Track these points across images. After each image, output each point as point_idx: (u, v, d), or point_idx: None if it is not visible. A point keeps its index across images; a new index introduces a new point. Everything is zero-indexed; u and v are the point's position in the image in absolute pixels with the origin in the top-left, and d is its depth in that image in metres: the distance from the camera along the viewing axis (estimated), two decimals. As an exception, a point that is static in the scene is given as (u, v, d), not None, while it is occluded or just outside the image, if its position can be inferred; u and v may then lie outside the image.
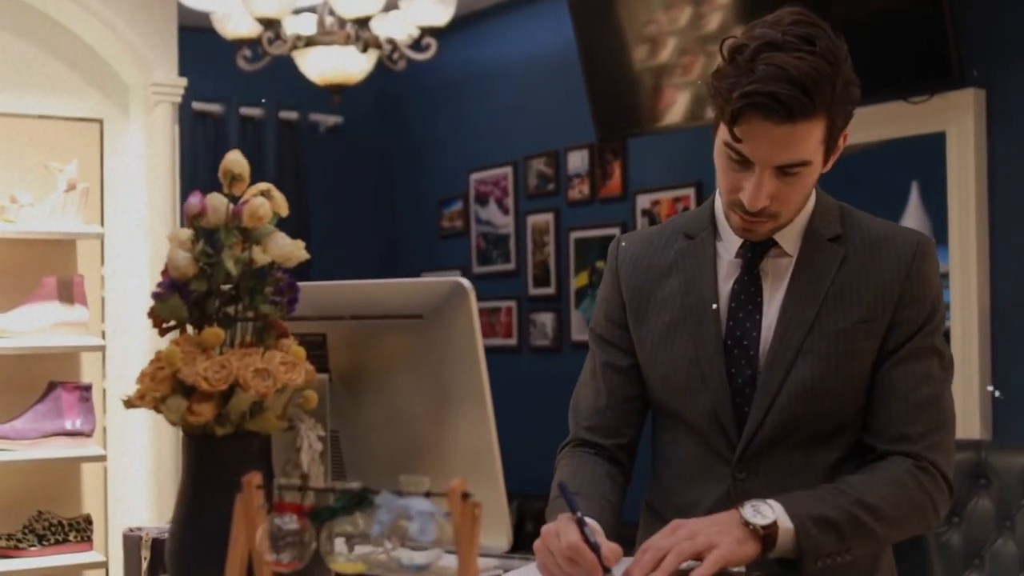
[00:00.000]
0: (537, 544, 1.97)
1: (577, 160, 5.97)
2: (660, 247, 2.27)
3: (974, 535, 3.83)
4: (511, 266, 6.28)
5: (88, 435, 4.28)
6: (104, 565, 4.35)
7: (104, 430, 4.68)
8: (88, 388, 4.31)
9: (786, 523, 1.95)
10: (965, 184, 4.28)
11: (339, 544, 1.68)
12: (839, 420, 2.14)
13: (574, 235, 5.99)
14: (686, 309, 2.19)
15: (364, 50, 5.22)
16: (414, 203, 6.94)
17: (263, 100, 6.69)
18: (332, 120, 6.87)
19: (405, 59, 5.50)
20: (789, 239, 2.16)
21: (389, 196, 7.08)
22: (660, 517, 2.20)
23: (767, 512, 1.95)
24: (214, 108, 6.62)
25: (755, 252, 2.17)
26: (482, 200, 6.51)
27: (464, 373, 1.79)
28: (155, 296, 1.78)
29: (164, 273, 1.79)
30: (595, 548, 1.89)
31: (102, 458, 4.43)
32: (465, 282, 1.77)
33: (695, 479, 2.17)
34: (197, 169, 6.39)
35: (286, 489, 1.70)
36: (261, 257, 1.79)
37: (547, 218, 6.12)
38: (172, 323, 1.80)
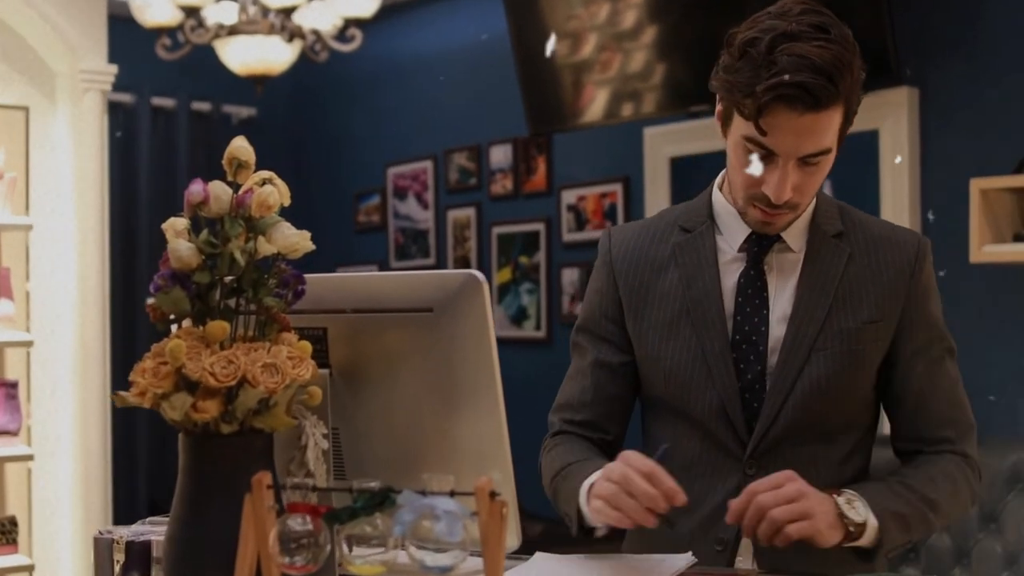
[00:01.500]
0: (611, 475, 1.93)
1: (500, 154, 5.93)
2: (656, 240, 2.24)
3: (960, 535, 3.86)
4: (431, 261, 6.23)
5: (14, 434, 4.14)
6: (30, 568, 4.21)
7: (29, 429, 4.53)
8: (14, 385, 4.17)
9: (872, 520, 1.99)
10: (899, 181, 4.32)
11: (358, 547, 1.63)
12: (847, 418, 2.16)
13: (496, 230, 5.95)
14: (689, 303, 2.16)
15: (289, 40, 5.14)
16: (330, 197, 6.84)
17: (177, 90, 6.56)
18: (246, 112, 6.76)
19: (328, 50, 5.43)
20: (793, 234, 2.15)
21: (304, 190, 6.94)
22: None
23: (860, 509, 1.98)
24: (125, 98, 6.46)
25: (760, 247, 2.15)
26: (401, 194, 6.44)
27: (475, 368, 1.75)
28: (156, 288, 1.70)
29: (164, 263, 1.71)
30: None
31: (28, 458, 4.29)
32: (479, 274, 1.72)
33: (701, 475, 2.15)
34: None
35: (298, 489, 1.64)
36: (266, 248, 1.73)
37: (469, 213, 6.08)
38: (172, 317, 1.72)
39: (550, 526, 5.38)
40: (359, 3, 5.17)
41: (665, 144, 5.20)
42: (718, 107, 2.10)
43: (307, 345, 1.72)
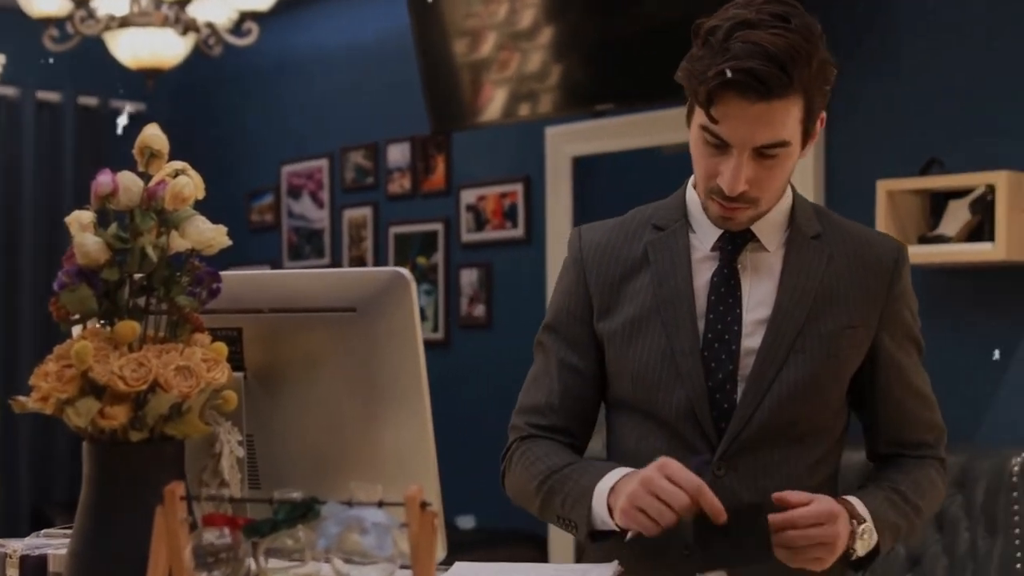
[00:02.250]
0: (633, 491, 1.90)
1: (398, 153, 5.83)
2: (628, 238, 2.18)
3: (913, 542, 3.85)
4: (325, 261, 6.11)
5: None
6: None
7: None
8: None
9: (874, 536, 2.01)
10: (804, 182, 4.32)
11: (272, 560, 1.54)
12: (820, 422, 2.12)
13: (394, 230, 5.86)
14: (658, 301, 2.11)
15: (184, 33, 5.00)
16: (222, 196, 6.63)
17: (63, 84, 6.37)
18: (134, 107, 6.58)
19: (222, 44, 5.30)
20: (767, 233, 2.10)
21: (194, 188, 6.81)
22: None
23: (871, 533, 2.00)
24: (8, 92, 6.28)
25: (734, 245, 2.10)
26: (295, 193, 6.32)
27: (400, 370, 1.67)
28: (60, 286, 1.59)
29: (68, 260, 1.60)
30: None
31: None
32: (405, 272, 1.64)
33: None
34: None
35: (214, 500, 1.55)
36: (180, 243, 1.63)
37: (365, 212, 5.97)
38: (76, 317, 1.61)
39: (448, 531, 5.32)
40: (255, -4, 5.06)
41: (567, 143, 5.16)
42: (688, 99, 2.05)
43: (222, 347, 1.63)
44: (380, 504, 1.45)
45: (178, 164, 1.67)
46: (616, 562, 1.98)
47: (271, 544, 1.52)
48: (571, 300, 2.20)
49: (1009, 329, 3.92)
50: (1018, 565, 3.54)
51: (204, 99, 6.79)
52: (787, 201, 2.12)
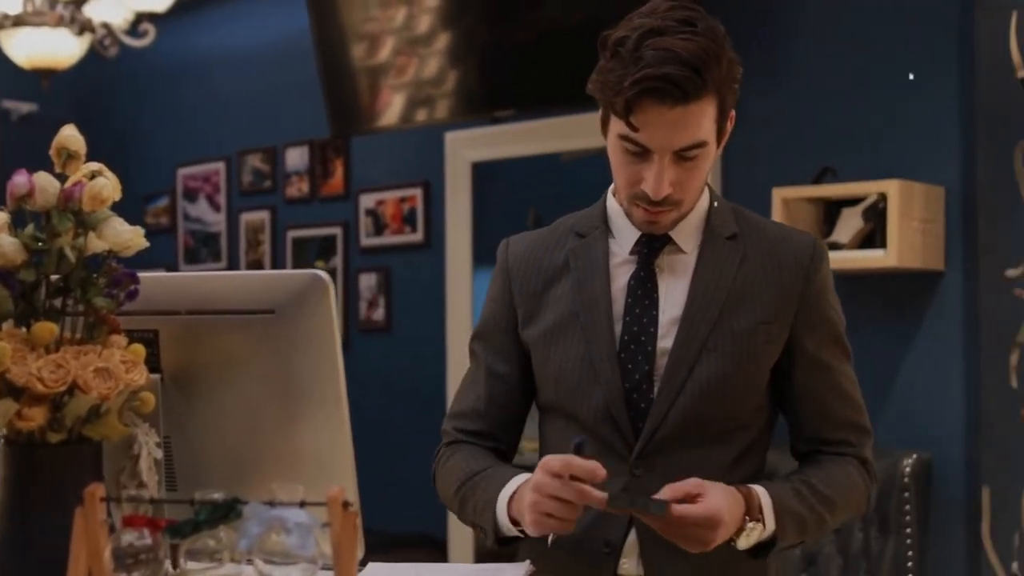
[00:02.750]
0: (531, 500, 1.91)
1: (296, 157, 5.81)
2: (551, 248, 2.22)
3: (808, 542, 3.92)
4: (222, 265, 6.07)
5: None
6: None
7: None
8: None
9: (772, 524, 2.02)
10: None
11: (191, 563, 1.55)
12: (737, 420, 2.14)
13: (292, 234, 5.84)
14: (577, 307, 2.14)
15: (80, 33, 4.94)
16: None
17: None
18: (27, 107, 6.48)
19: (118, 45, 5.25)
20: (684, 235, 2.14)
21: (86, 190, 6.73)
22: None
23: (760, 531, 2.01)
24: None
25: (651, 248, 2.14)
26: (191, 196, 6.26)
27: (319, 372, 1.68)
28: (-26, 287, 1.58)
29: (-16, 261, 1.59)
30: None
31: None
32: (324, 275, 1.65)
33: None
34: None
35: (134, 501, 1.55)
36: (97, 244, 1.63)
37: (263, 216, 5.94)
38: (-9, 318, 1.60)
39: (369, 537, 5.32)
40: (152, -3, 5.02)
41: (466, 149, 5.18)
42: (600, 112, 2.08)
43: (140, 348, 1.63)
44: (302, 504, 1.46)
45: (94, 165, 1.67)
46: (528, 561, 2.01)
47: (191, 545, 1.53)
48: (497, 309, 2.23)
49: (900, 334, 4.02)
50: (910, 563, 3.64)
51: (101, 100, 6.70)
52: (704, 203, 2.16)
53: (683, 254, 2.14)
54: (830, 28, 4.21)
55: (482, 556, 5.06)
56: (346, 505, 1.44)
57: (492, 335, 2.23)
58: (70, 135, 1.64)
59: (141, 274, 1.69)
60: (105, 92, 6.61)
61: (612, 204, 2.19)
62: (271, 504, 1.46)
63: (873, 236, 3.90)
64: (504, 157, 5.05)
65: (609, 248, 2.17)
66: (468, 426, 2.22)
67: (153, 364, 1.73)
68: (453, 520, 5.06)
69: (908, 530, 3.64)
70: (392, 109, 5.03)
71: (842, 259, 3.90)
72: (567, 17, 4.29)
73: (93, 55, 5.17)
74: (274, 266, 5.87)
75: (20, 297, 1.59)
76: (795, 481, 2.10)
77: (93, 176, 1.66)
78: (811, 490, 2.09)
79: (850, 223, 3.96)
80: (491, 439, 2.22)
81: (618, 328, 2.11)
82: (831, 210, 4.07)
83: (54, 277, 1.62)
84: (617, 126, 2.02)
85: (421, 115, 4.96)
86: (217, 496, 1.49)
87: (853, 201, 3.97)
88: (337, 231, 5.65)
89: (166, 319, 1.73)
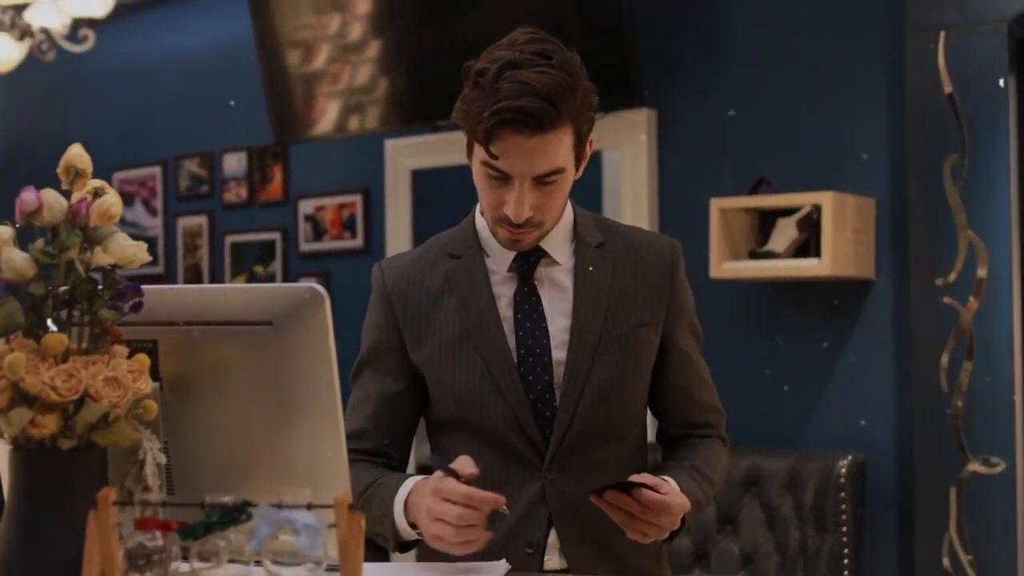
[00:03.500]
0: (426, 519, 1.99)
1: (234, 162, 5.84)
2: (428, 269, 2.31)
3: (699, 537, 4.03)
4: (159, 269, 6.08)
5: None
6: None
7: None
8: None
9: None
10: (639, 200, 4.49)
11: (199, 562, 1.61)
12: (630, 416, 2.29)
13: (230, 239, 5.86)
14: (467, 326, 2.23)
15: (20, 39, 4.95)
16: (49, 201, 6.57)
17: None
18: (-39, 111, 6.45)
19: (56, 49, 5.26)
20: (555, 247, 2.26)
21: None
22: None
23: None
24: None
25: (528, 264, 2.25)
26: (127, 200, 6.26)
27: (314, 383, 1.74)
28: (-12, 300, 1.64)
29: (-6, 274, 1.65)
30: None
31: None
32: (320, 289, 1.72)
33: (503, 485, 2.19)
34: None
35: (145, 505, 1.61)
36: (103, 258, 1.69)
37: (201, 220, 5.96)
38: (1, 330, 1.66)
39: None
40: (91, 3, 5.02)
41: (406, 156, 5.24)
42: (466, 137, 2.18)
43: (144, 358, 1.69)
44: (310, 507, 1.54)
45: (97, 183, 1.74)
46: (504, 560, 2.10)
47: (200, 547, 1.60)
48: (382, 333, 2.31)
49: (834, 340, 4.15)
50: (846, 560, 3.76)
51: (37, 105, 6.67)
52: (568, 216, 2.28)
53: (558, 265, 2.26)
54: (765, 42, 4.33)
55: (422, 557, 5.11)
56: (352, 507, 1.53)
57: (380, 359, 2.31)
58: (78, 154, 1.71)
59: (144, 286, 1.75)
60: (43, 96, 6.59)
61: (481, 223, 2.30)
62: (279, 507, 1.54)
63: (807, 245, 4.02)
64: (444, 165, 5.11)
65: (487, 267, 2.27)
66: (358, 446, 2.28)
67: (152, 373, 1.78)
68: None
69: (844, 528, 3.76)
70: (328, 117, 5.07)
71: (777, 268, 4.01)
72: (497, 25, 4.33)
73: (31, 60, 5.18)
74: (211, 271, 5.88)
75: (30, 309, 1.65)
76: (687, 468, 2.25)
77: (96, 193, 1.72)
78: (700, 475, 2.25)
79: (785, 233, 4.07)
80: (380, 457, 2.30)
81: (512, 342, 2.22)
82: (766, 220, 4.19)
83: (61, 289, 1.67)
84: (479, 153, 2.13)
85: (354, 123, 5.00)
86: (227, 499, 1.57)
87: (788, 211, 4.09)
88: (276, 236, 5.69)
89: (165, 330, 1.79)
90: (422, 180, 5.25)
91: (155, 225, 6.15)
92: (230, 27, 5.59)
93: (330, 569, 1.56)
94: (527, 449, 2.20)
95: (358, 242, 5.41)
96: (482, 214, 2.27)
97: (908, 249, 3.95)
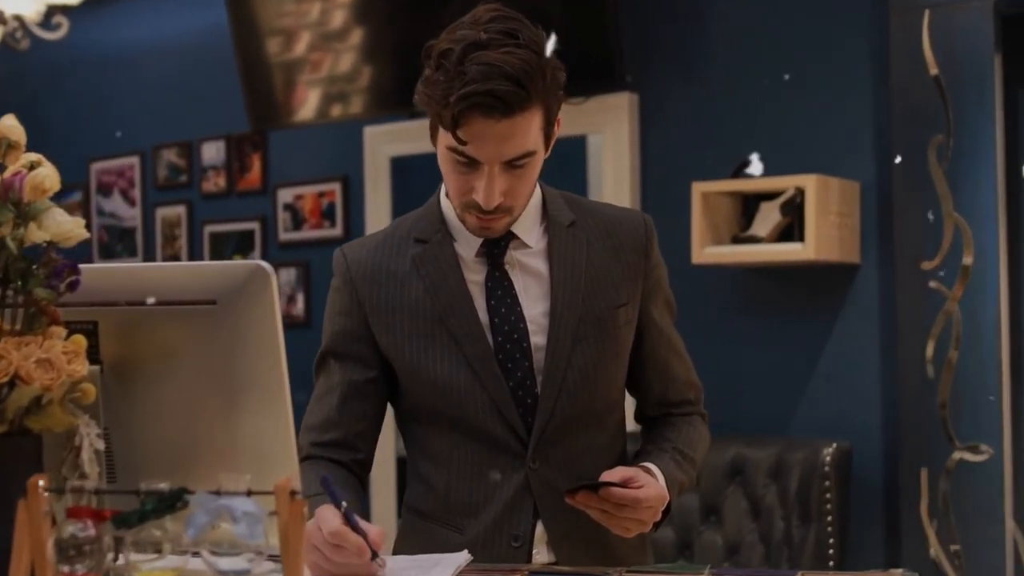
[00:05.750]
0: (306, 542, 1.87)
1: (213, 151, 5.76)
2: (392, 254, 2.21)
3: (682, 528, 3.97)
4: (138, 259, 6.00)
5: None
6: None
7: None
8: None
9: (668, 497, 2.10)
10: (620, 184, 4.43)
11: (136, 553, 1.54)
12: (610, 400, 2.21)
13: (209, 228, 5.79)
14: (439, 312, 2.15)
15: (-5, 25, 4.88)
16: (27, 193, 6.50)
17: None
18: (-65, 100, 6.37)
19: (30, 37, 5.18)
20: (525, 229, 2.17)
21: (-3, 185, 6.61)
22: (435, 519, 2.20)
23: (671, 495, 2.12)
24: None
25: (497, 248, 2.16)
26: (105, 191, 6.19)
27: (261, 364, 1.66)
28: (-85, 278, 1.56)
29: (-78, 252, 1.57)
30: (362, 533, 1.83)
31: None
32: (266, 266, 1.64)
33: (484, 475, 2.14)
34: None
35: (77, 492, 1.53)
36: (38, 235, 1.61)
37: (179, 211, 5.89)
38: (-70, 309, 1.58)
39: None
40: (65, -11, 4.96)
41: (385, 143, 5.17)
42: (429, 121, 2.10)
43: (81, 339, 1.61)
44: (249, 493, 1.46)
45: (33, 156, 1.66)
46: (466, 551, 2.02)
47: (136, 536, 1.52)
48: (347, 321, 2.21)
49: (818, 325, 4.09)
50: (831, 550, 3.70)
51: (11, 94, 6.59)
52: (537, 196, 2.20)
53: (528, 248, 2.17)
54: (748, 24, 4.27)
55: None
56: (293, 494, 1.45)
57: (346, 347, 2.21)
58: (10, 125, 1.64)
59: (83, 265, 1.67)
60: (17, 86, 6.51)
61: (447, 207, 2.20)
62: (217, 493, 1.46)
63: (791, 230, 3.96)
64: (423, 152, 5.03)
65: (456, 251, 2.18)
66: (321, 438, 2.19)
67: (92, 355, 1.71)
68: (375, 512, 5.06)
69: (829, 518, 3.70)
70: (308, 104, 5.02)
71: (761, 252, 3.95)
72: (527, 13, 4.29)
73: (4, 48, 5.10)
74: (191, 260, 5.81)
75: (-41, 288, 1.57)
76: (669, 451, 2.20)
77: (32, 167, 1.64)
78: (683, 456, 2.20)
79: (768, 217, 4.01)
80: (347, 449, 2.19)
81: (488, 330, 2.13)
82: (749, 204, 4.12)
83: (-7, 268, 1.60)
84: (445, 138, 2.04)
85: (336, 110, 4.95)
86: (163, 486, 1.49)
87: (771, 195, 4.03)
88: (255, 226, 5.61)
89: (106, 310, 1.72)
90: (401, 167, 5.19)
91: (133, 216, 6.07)
92: (208, 14, 5.51)
93: (272, 558, 1.49)
94: (511, 439, 2.13)
95: (337, 231, 5.34)
96: (447, 196, 2.19)
97: (893, 233, 3.88)
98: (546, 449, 2.13)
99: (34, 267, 1.61)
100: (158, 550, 1.57)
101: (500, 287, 2.15)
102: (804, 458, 3.77)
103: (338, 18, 4.90)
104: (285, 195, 5.52)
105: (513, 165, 2.04)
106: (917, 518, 3.75)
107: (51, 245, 1.62)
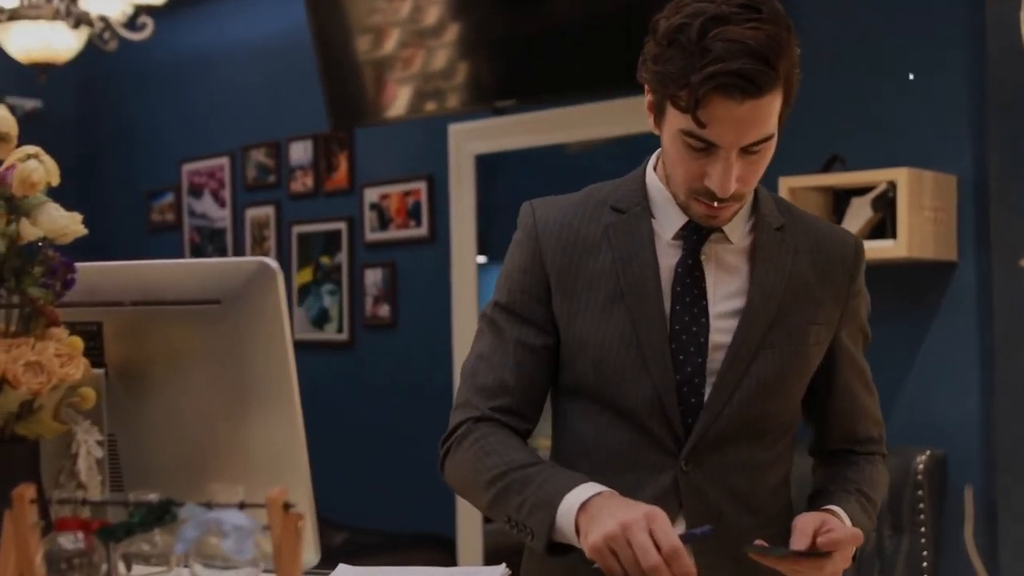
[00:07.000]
0: (610, 531, 1.74)
1: (300, 151, 5.73)
2: (585, 218, 2.06)
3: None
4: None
5: None
6: None
7: None
8: None
9: None
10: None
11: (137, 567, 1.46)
12: (783, 417, 2.07)
13: (296, 229, 5.76)
14: (622, 287, 2.00)
15: (76, 26, 4.87)
16: (121, 195, 6.54)
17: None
18: (31, 104, 6.40)
19: (117, 39, 5.17)
20: (732, 225, 2.02)
21: (93, 187, 6.64)
22: None
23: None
24: None
25: (699, 236, 2.01)
26: (196, 192, 6.19)
27: (269, 365, 1.58)
28: (-98, 276, 1.49)
29: (-88, 249, 1.50)
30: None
31: None
32: (271, 262, 1.56)
33: (630, 469, 1.99)
34: None
35: (65, 503, 1.45)
36: (31, 231, 1.54)
37: (267, 211, 5.87)
38: (-81, 309, 1.51)
39: (354, 534, 5.23)
40: (147, -12, 4.95)
41: (470, 141, 5.10)
42: (648, 98, 1.94)
43: (77, 341, 1.54)
44: (241, 506, 1.37)
45: (31, 149, 1.58)
46: (504, 564, 1.90)
47: (128, 549, 1.44)
48: (527, 279, 2.06)
49: (912, 327, 3.92)
50: (925, 563, 3.54)
51: (103, 96, 6.64)
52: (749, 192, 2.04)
53: (729, 244, 2.02)
54: (839, 15, 4.12)
55: (491, 557, 4.97)
56: (287, 506, 1.35)
57: (523, 306, 2.06)
58: (1, 116, 1.55)
59: (84, 264, 1.60)
60: (108, 88, 6.55)
61: (654, 181, 2.06)
62: (208, 506, 1.37)
63: (883, 226, 3.80)
64: (509, 149, 4.97)
65: (653, 229, 2.03)
66: (495, 402, 2.03)
67: (97, 358, 1.63)
68: (463, 519, 4.97)
69: (922, 529, 3.55)
70: (399, 101, 4.97)
71: (851, 250, 3.80)
72: (575, 8, 4.22)
73: (94, 50, 5.10)
74: (280, 262, 5.75)
75: (-52, 287, 1.50)
76: (854, 493, 2.06)
77: (28, 159, 1.57)
78: (868, 501, 2.08)
79: (859, 213, 3.86)
80: (519, 417, 2.04)
81: (667, 315, 1.99)
82: (840, 199, 3.97)
83: (-14, 266, 1.53)
84: (678, 120, 1.87)
85: (429, 106, 4.90)
86: (152, 497, 1.40)
87: (862, 190, 3.87)
88: (342, 226, 5.57)
89: (110, 310, 1.64)
90: (486, 165, 5.12)
91: (223, 216, 6.07)
92: (295, 13, 5.46)
93: (268, 572, 1.39)
94: (665, 435, 1.98)
95: (423, 230, 5.27)
96: (655, 170, 2.05)
97: (990, 228, 3.70)
98: (702, 454, 1.98)
99: (28, 265, 1.54)
100: (165, 563, 1.50)
101: (690, 276, 2.00)
102: (896, 466, 3.60)
103: (432, 15, 4.85)
104: (371, 194, 5.46)
105: (750, 150, 1.88)
106: (1017, 531, 3.57)
107: (46, 242, 1.55)
